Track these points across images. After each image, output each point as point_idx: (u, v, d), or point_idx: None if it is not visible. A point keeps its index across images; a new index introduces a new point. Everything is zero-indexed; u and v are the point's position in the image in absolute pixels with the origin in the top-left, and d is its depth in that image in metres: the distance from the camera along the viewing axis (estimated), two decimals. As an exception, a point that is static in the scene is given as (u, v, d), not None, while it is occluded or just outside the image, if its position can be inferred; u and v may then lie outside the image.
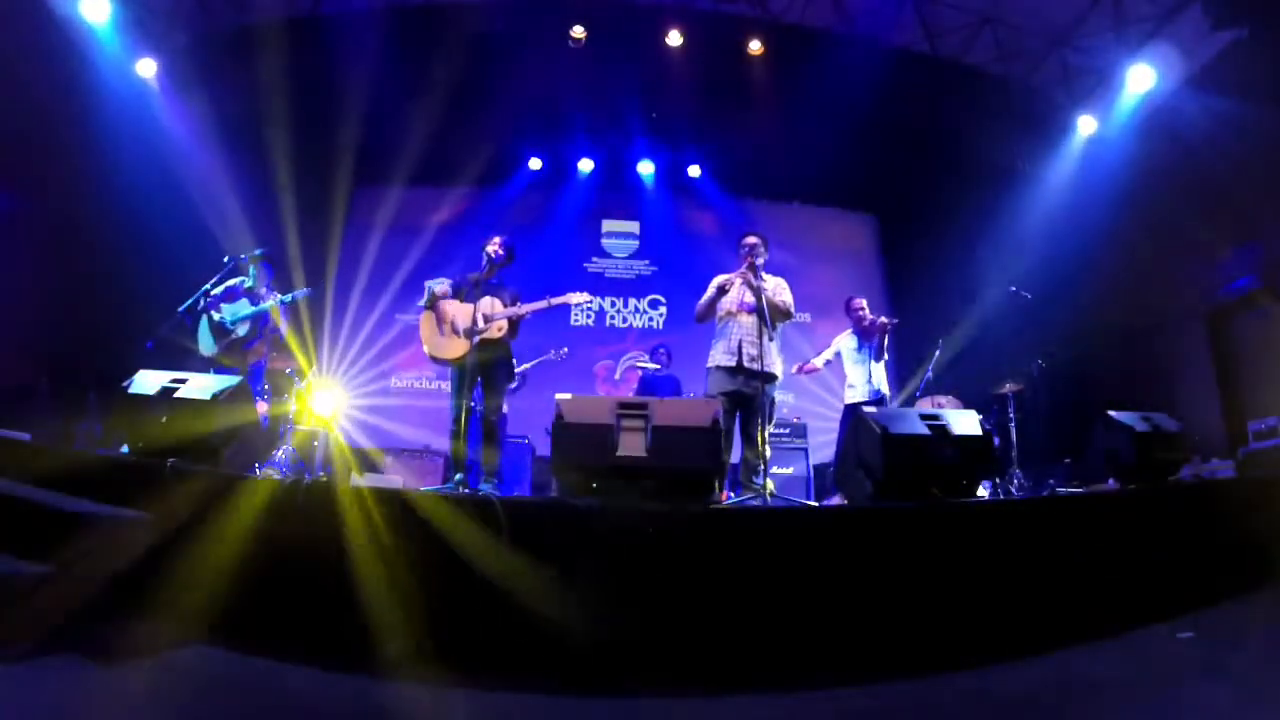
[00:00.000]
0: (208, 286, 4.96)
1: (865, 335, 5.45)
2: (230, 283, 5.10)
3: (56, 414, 5.46)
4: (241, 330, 4.96)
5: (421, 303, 4.34)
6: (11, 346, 5.52)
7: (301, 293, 5.15)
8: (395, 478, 6.12)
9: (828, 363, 5.63)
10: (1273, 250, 6.00)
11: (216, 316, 4.93)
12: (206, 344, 4.94)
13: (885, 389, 5.46)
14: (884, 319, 5.44)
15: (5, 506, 2.57)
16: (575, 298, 4.31)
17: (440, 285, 4.25)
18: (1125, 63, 6.79)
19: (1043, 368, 6.03)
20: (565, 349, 6.80)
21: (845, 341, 5.56)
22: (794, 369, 5.51)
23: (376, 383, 8.70)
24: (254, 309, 5.00)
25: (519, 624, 2.35)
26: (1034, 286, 6.32)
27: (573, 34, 7.20)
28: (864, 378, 5.37)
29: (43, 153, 5.85)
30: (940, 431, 3.16)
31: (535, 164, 9.20)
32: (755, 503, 3.73)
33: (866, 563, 2.59)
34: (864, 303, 5.63)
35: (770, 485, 3.88)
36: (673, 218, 9.47)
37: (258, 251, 5.29)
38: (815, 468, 6.70)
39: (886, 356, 5.56)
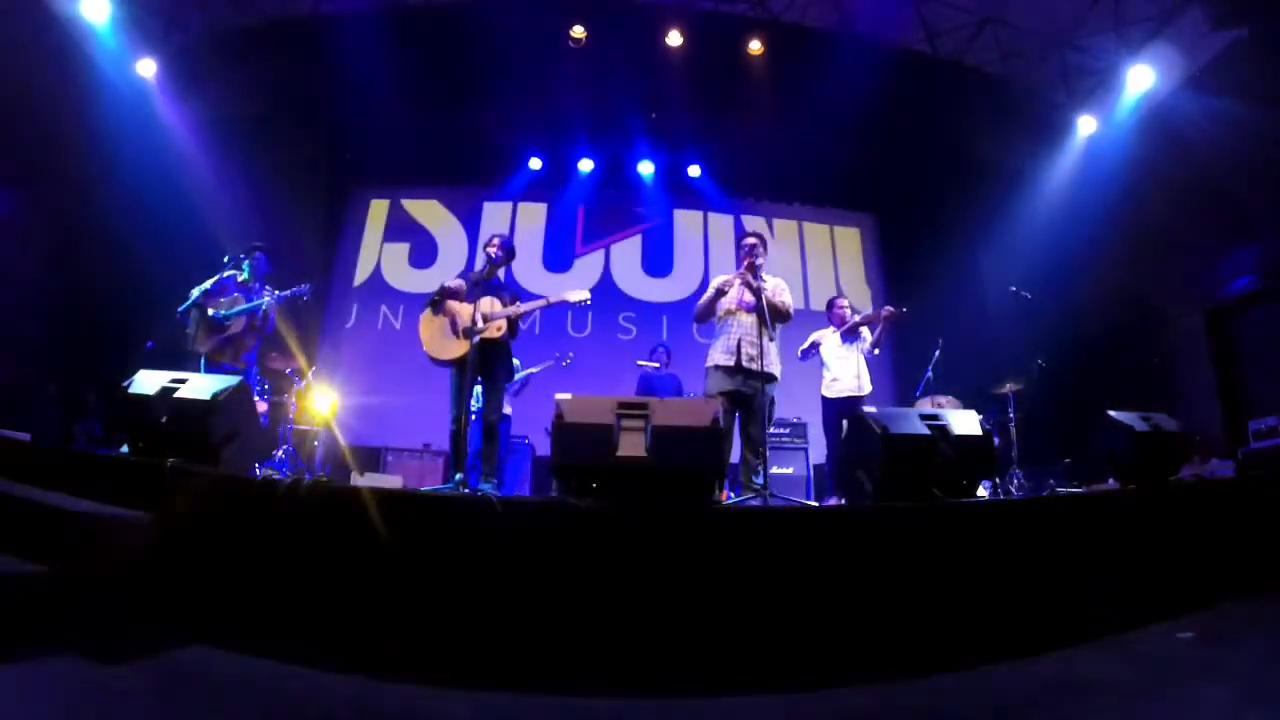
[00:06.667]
0: (206, 285, 4.90)
1: (849, 333, 5.47)
2: (222, 275, 4.91)
3: (56, 414, 5.48)
4: (236, 328, 4.82)
5: (431, 303, 4.24)
6: (12, 346, 5.52)
7: (297, 290, 5.00)
8: (395, 477, 6.13)
9: (804, 354, 5.59)
10: (1273, 250, 6.00)
11: (211, 311, 4.77)
12: (199, 340, 4.78)
13: (869, 385, 5.46)
14: (889, 308, 5.46)
15: (5, 506, 2.57)
16: (573, 296, 4.31)
17: (454, 283, 4.20)
18: (1125, 63, 6.79)
19: (1043, 368, 6.02)
20: (572, 355, 6.76)
21: (828, 335, 5.56)
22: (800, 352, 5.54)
23: (376, 382, 8.68)
24: (248, 305, 4.86)
25: (519, 623, 2.36)
26: (1034, 286, 6.31)
27: (573, 34, 7.21)
28: (850, 371, 5.37)
29: (43, 153, 5.86)
30: (940, 431, 3.16)
31: (535, 164, 9.20)
32: (755, 503, 3.72)
33: (866, 563, 2.59)
34: (847, 303, 5.68)
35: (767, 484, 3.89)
36: (672, 218, 9.46)
37: (252, 245, 5.13)
38: (815, 467, 6.69)
39: (878, 351, 5.55)
